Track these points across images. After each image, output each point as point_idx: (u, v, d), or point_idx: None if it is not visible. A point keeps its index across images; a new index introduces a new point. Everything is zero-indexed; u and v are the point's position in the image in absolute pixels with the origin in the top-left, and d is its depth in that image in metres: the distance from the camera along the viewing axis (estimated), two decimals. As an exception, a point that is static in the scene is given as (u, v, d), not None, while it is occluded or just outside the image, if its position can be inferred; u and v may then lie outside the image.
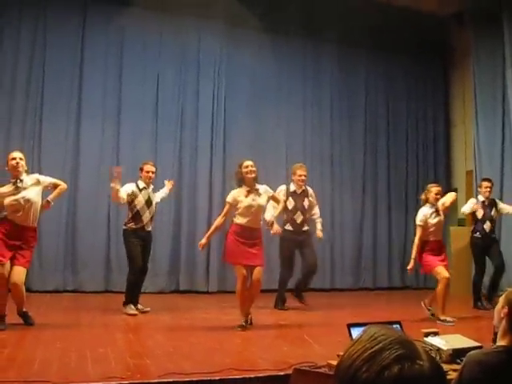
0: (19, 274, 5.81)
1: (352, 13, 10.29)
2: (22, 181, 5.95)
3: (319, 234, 7.92)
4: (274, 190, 6.95)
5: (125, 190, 7.03)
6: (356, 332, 3.52)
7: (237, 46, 10.24)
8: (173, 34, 9.95)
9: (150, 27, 9.79)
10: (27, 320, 6.00)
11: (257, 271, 6.19)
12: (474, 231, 8.31)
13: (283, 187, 7.72)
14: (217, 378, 4.02)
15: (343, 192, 10.78)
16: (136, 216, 7.11)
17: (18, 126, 9.06)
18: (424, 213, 7.19)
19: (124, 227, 7.24)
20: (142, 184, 7.25)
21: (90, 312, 6.93)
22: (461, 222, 10.28)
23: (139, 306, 7.18)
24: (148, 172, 7.28)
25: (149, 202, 7.22)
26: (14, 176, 5.96)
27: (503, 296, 2.82)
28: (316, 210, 7.97)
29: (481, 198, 8.32)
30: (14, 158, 5.97)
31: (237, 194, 6.33)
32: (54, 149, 9.12)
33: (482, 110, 10.23)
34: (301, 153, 10.52)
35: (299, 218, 7.71)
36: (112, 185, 6.78)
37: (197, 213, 9.84)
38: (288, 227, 7.70)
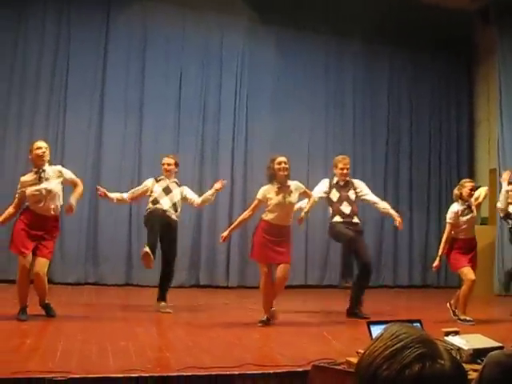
0: (42, 265, 5.82)
1: (376, 10, 10.21)
2: (44, 171, 5.93)
3: (398, 221, 7.07)
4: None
5: (137, 188, 7.25)
6: (375, 330, 3.51)
7: (259, 42, 10.25)
8: (195, 29, 9.99)
9: (173, 22, 9.85)
10: (49, 311, 6.03)
11: (282, 268, 6.09)
12: None
13: (326, 180, 7.17)
14: (236, 372, 4.03)
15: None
16: (154, 201, 6.95)
17: (42, 119, 9.18)
18: (454, 210, 6.98)
19: (144, 214, 7.12)
20: (161, 176, 7.18)
21: (111, 305, 7.00)
22: (484, 221, 10.18)
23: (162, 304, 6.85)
24: (163, 164, 7.14)
25: (167, 190, 7.02)
26: (36, 166, 5.95)
27: None
28: (374, 198, 7.22)
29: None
30: (39, 148, 5.95)
31: (267, 191, 6.19)
32: (77, 142, 9.22)
33: (506, 107, 10.11)
34: (322, 152, 10.50)
35: (347, 209, 6.94)
36: (108, 198, 7.03)
37: (218, 208, 9.87)
38: (337, 219, 6.93)
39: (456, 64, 11.48)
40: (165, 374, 3.91)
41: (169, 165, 7.12)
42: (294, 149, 9.98)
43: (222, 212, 9.86)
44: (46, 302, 6.06)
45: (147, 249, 6.49)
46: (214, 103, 10.04)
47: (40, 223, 5.88)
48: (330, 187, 7.05)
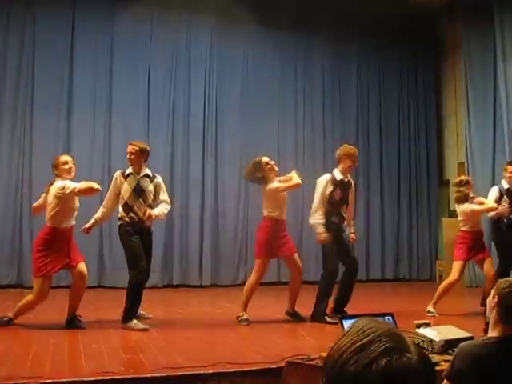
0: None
1: (343, 4, 10.29)
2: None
3: (353, 237, 6.91)
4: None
5: (108, 196, 6.22)
6: (348, 324, 3.53)
7: (228, 38, 10.23)
8: (164, 26, 9.95)
9: (141, 19, 9.78)
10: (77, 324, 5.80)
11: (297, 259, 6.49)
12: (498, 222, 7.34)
13: (327, 176, 6.51)
14: (210, 371, 4.03)
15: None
16: (126, 208, 5.98)
17: (9, 122, 9.04)
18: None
19: (119, 222, 6.10)
20: (128, 169, 6.12)
21: (83, 307, 6.88)
22: (452, 214, 10.32)
23: (140, 312, 6.23)
24: (127, 153, 6.11)
25: (138, 190, 6.00)
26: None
27: (495, 287, 2.85)
28: (353, 210, 7.01)
29: (505, 184, 7.35)
30: (66, 162, 5.80)
31: None
32: (45, 145, 9.07)
33: (473, 101, 10.25)
34: (293, 147, 10.55)
35: (344, 212, 6.57)
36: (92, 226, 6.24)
37: (189, 209, 9.83)
38: (334, 219, 6.44)
39: (423, 59, 11.60)
40: (139, 376, 3.89)
41: (132, 153, 6.06)
42: (264, 145, 9.97)
43: (193, 212, 9.82)
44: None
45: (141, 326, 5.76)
46: (184, 99, 9.98)
47: None
48: (334, 185, 6.45)
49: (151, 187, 6.10)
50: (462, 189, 6.97)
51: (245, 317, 6.15)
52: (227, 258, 9.91)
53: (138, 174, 6.07)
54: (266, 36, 10.43)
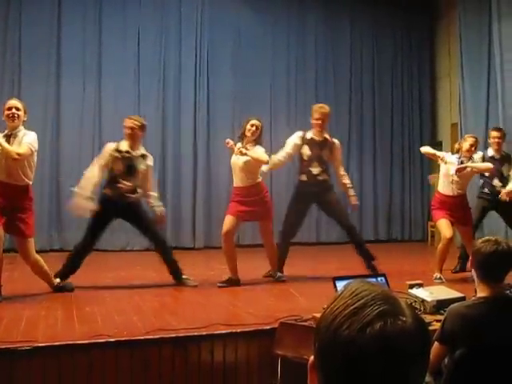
0: (27, 247, 5.44)
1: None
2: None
3: (353, 200, 6.84)
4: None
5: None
6: (341, 285, 3.53)
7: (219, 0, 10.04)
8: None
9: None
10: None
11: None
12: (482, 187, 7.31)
13: (299, 133, 6.57)
14: (204, 333, 4.05)
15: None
16: (111, 182, 5.92)
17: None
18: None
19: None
20: (124, 146, 5.96)
21: (76, 271, 6.89)
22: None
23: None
24: (126, 128, 5.95)
25: (131, 168, 5.90)
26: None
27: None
28: (343, 172, 6.83)
29: (490, 151, 7.21)
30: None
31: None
32: (34, 107, 8.92)
33: (467, 62, 10.15)
34: (285, 108, 10.47)
35: (316, 169, 6.51)
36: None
37: (181, 169, 9.79)
38: (302, 178, 6.56)
39: (417, 20, 11.42)
40: (132, 338, 3.91)
41: (132, 128, 5.90)
42: (255, 105, 9.88)
43: (185, 174, 9.79)
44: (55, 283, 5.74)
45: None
46: (175, 62, 9.85)
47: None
48: (303, 142, 6.52)
49: (143, 168, 5.99)
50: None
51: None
52: (220, 220, 9.82)
53: (134, 151, 5.94)
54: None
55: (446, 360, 2.76)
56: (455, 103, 10.63)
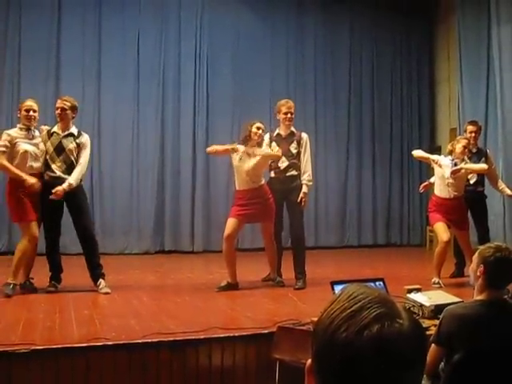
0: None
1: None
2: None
3: (301, 196, 6.45)
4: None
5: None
6: (339, 289, 3.53)
7: (219, 2, 10.05)
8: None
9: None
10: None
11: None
12: None
13: (267, 135, 6.55)
14: (202, 336, 4.04)
15: (327, 152, 10.71)
16: (46, 166, 5.86)
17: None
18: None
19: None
20: (54, 127, 5.99)
21: (75, 274, 6.89)
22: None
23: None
24: (56, 109, 5.95)
25: (59, 149, 5.84)
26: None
27: (476, 254, 2.83)
28: (306, 168, 6.54)
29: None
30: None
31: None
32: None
33: (466, 67, 10.16)
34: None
35: (283, 164, 6.47)
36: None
37: (181, 172, 9.79)
38: (271, 174, 6.59)
39: (416, 24, 11.44)
40: (130, 341, 3.90)
41: (62, 109, 5.89)
42: (255, 109, 9.88)
43: (185, 178, 9.78)
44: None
45: None
46: (174, 65, 9.85)
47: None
48: (270, 141, 6.52)
49: (72, 146, 5.89)
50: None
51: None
52: (219, 223, 9.87)
53: (63, 131, 5.90)
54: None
55: (443, 363, 2.76)
56: (454, 108, 10.64)
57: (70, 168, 5.83)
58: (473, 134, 7.19)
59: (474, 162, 6.89)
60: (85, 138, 6.00)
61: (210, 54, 10.01)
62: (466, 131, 7.34)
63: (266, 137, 6.54)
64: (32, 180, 5.59)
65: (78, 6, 9.32)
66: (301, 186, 6.47)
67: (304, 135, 6.65)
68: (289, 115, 6.53)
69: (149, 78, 9.69)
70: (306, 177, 6.51)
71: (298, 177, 6.51)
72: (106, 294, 5.73)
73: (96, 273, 5.92)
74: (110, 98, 9.44)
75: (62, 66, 9.25)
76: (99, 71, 9.45)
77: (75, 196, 5.86)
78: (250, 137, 6.18)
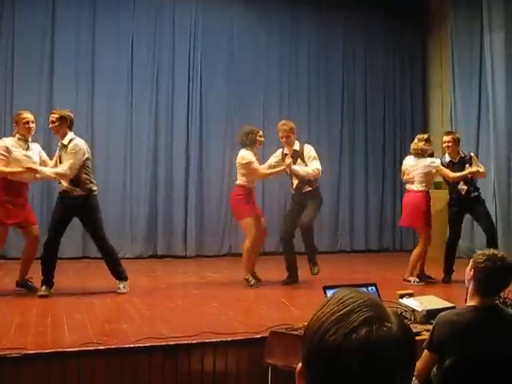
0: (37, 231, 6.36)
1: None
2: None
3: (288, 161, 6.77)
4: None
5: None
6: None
7: (213, 5, 10.07)
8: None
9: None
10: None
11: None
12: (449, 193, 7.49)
13: (279, 151, 7.16)
14: (194, 341, 4.04)
15: (320, 156, 10.67)
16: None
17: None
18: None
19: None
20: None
21: (67, 278, 6.88)
22: (437, 186, 10.36)
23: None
24: (49, 123, 6.18)
25: (60, 160, 6.12)
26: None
27: (472, 259, 2.86)
28: (312, 166, 6.89)
29: (447, 157, 7.38)
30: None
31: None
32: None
33: (458, 73, 10.22)
34: (278, 116, 10.45)
35: (295, 182, 6.96)
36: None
37: (173, 177, 9.77)
38: (291, 190, 7.15)
39: (409, 30, 11.48)
40: (122, 346, 3.89)
41: (52, 122, 6.03)
42: (249, 113, 9.91)
43: (177, 181, 9.77)
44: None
45: None
46: (168, 69, 9.83)
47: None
48: (282, 158, 6.99)
49: (62, 153, 6.02)
50: (424, 144, 7.24)
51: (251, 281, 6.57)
52: (212, 228, 9.90)
53: (61, 143, 6.04)
54: (252, 3, 10.29)
55: (435, 369, 2.77)
56: (447, 113, 10.69)
57: (73, 180, 6.02)
58: (447, 144, 7.29)
59: (458, 171, 7.11)
60: (69, 147, 5.97)
61: (203, 58, 10.00)
62: (443, 142, 7.47)
63: (279, 151, 7.13)
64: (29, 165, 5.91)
65: (71, 9, 9.29)
66: (316, 194, 7.04)
67: (306, 147, 7.00)
68: (284, 139, 6.87)
69: (142, 81, 9.67)
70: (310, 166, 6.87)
71: (314, 191, 7.03)
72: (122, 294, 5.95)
73: (115, 276, 6.16)
74: (104, 101, 9.42)
75: (55, 69, 9.20)
76: (93, 74, 9.40)
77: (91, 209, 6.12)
78: (255, 144, 6.74)
